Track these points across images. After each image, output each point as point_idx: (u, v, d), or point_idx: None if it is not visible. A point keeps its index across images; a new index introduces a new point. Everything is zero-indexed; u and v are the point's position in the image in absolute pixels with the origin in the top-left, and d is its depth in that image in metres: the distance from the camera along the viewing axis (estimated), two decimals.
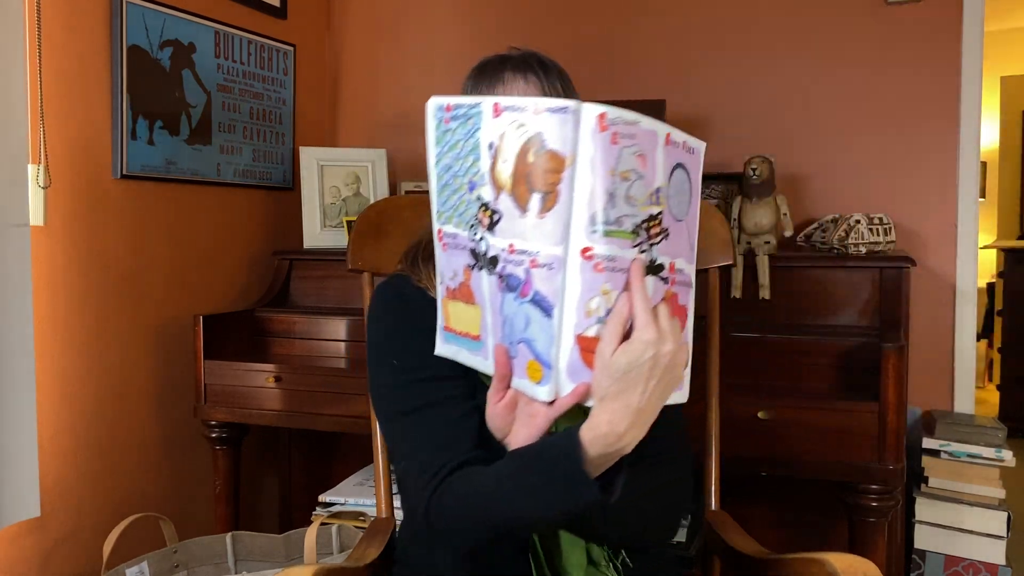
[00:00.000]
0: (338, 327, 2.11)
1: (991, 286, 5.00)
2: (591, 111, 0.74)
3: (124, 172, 1.93)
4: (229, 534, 1.82)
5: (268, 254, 2.39)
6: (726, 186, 2.15)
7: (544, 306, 0.78)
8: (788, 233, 1.90)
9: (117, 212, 1.94)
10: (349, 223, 2.32)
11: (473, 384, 1.00)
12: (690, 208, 0.84)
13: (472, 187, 0.82)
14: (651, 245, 0.79)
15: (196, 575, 1.78)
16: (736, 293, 1.87)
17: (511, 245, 0.79)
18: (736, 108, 2.29)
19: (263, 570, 1.75)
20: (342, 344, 2.10)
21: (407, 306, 1.05)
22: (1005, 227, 5.65)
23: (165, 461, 2.10)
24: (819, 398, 1.59)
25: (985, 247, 4.30)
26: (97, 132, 1.89)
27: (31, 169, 1.69)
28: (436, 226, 0.89)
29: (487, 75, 1.03)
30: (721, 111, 2.31)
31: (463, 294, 0.88)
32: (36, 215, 1.69)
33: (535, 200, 0.76)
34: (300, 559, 1.79)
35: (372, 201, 2.28)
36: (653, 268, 0.81)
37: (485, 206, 0.81)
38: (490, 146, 0.79)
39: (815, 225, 2.05)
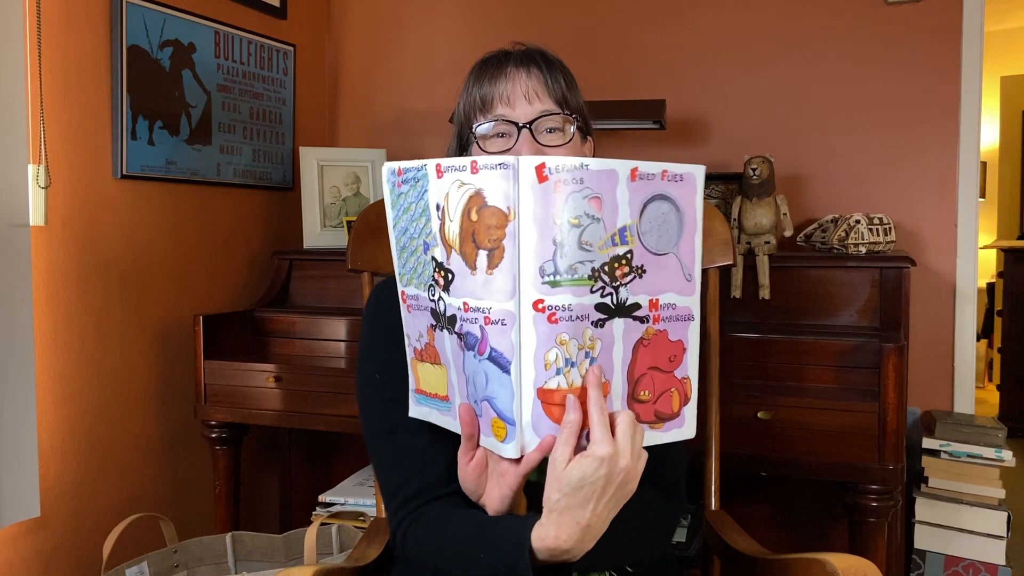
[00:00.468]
0: (338, 327, 2.11)
1: (991, 286, 5.00)
2: (528, 163, 0.74)
3: (124, 172, 1.93)
4: (229, 534, 1.82)
5: (268, 254, 2.39)
6: (726, 186, 2.15)
7: (501, 362, 0.77)
8: (788, 233, 1.91)
9: (117, 212, 1.94)
10: (349, 223, 2.32)
11: None
12: (680, 239, 0.82)
13: (426, 248, 0.83)
14: (617, 287, 0.79)
15: (196, 575, 1.78)
16: (736, 293, 1.87)
17: (465, 303, 0.79)
18: (736, 108, 2.29)
19: (263, 570, 1.75)
20: (342, 344, 2.10)
21: (395, 317, 1.03)
22: (1005, 227, 5.66)
23: (165, 461, 2.10)
24: (819, 398, 1.59)
25: (985, 247, 4.30)
26: (97, 132, 1.89)
27: (31, 169, 1.69)
28: (399, 288, 0.89)
29: (489, 70, 1.03)
30: (721, 111, 2.31)
31: (429, 355, 0.88)
32: (36, 215, 1.69)
33: (482, 257, 0.76)
34: (300, 559, 1.79)
35: (372, 201, 2.28)
36: (623, 309, 0.80)
37: (439, 266, 0.81)
38: (437, 207, 0.80)
39: (815, 225, 2.05)
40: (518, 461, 0.81)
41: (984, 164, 5.44)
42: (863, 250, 1.87)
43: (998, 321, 4.54)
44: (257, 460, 2.43)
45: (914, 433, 2.03)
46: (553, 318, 0.76)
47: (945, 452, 1.91)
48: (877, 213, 1.96)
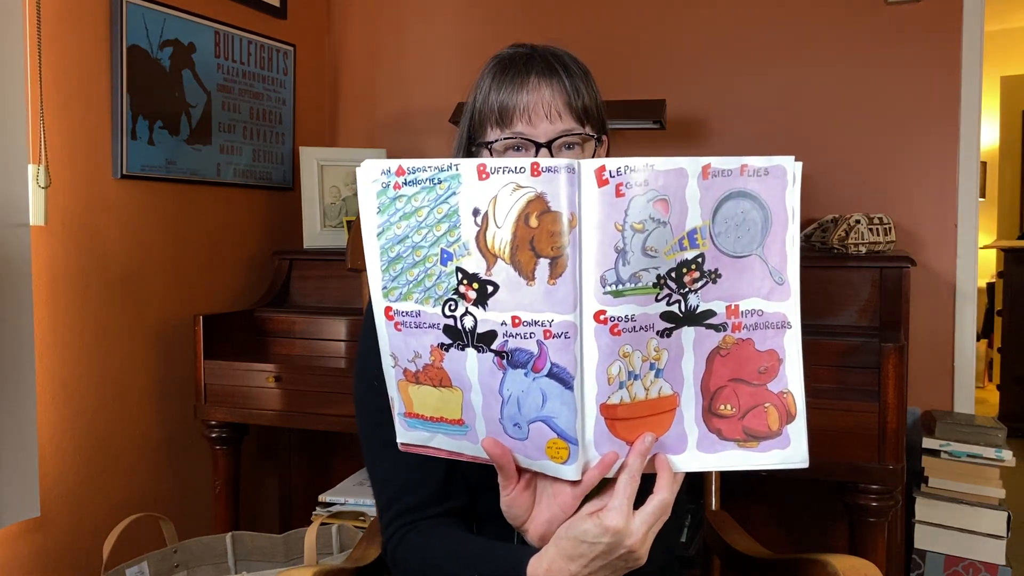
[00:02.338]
0: (338, 327, 2.11)
1: (991, 286, 5.00)
2: (588, 167, 0.70)
3: (124, 172, 1.93)
4: (229, 534, 1.82)
5: (268, 254, 2.39)
6: None
7: (563, 378, 0.73)
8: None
9: (117, 212, 1.94)
10: (349, 223, 2.32)
11: None
12: (766, 238, 0.75)
13: (446, 258, 0.75)
14: (686, 293, 0.74)
15: (196, 575, 1.78)
16: None
17: (515, 318, 0.73)
18: (736, 108, 2.29)
19: (263, 570, 1.75)
20: (342, 344, 2.10)
21: None
22: (1005, 227, 5.66)
23: (165, 461, 2.10)
24: (819, 398, 1.59)
25: (985, 247, 4.30)
26: (97, 132, 1.89)
27: (31, 169, 1.69)
28: (382, 304, 0.80)
29: (511, 76, 0.95)
30: (721, 111, 2.31)
31: (431, 377, 0.80)
32: (36, 215, 1.69)
33: (543, 266, 0.71)
34: (300, 559, 1.79)
35: None
36: (693, 317, 0.75)
37: (470, 278, 0.75)
38: (475, 211, 0.73)
39: (815, 225, 2.05)
40: (577, 482, 0.77)
41: (984, 164, 5.44)
42: (863, 250, 1.87)
43: (998, 321, 4.54)
44: (257, 460, 2.43)
45: (914, 433, 2.03)
46: (616, 330, 0.72)
47: (945, 452, 1.91)
48: (877, 213, 1.96)
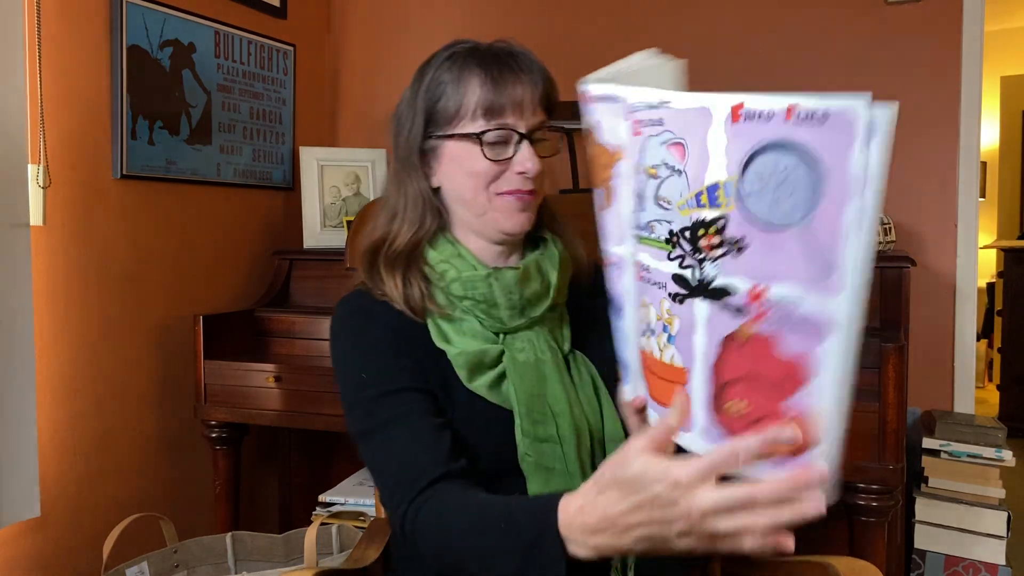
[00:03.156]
0: None
1: (991, 286, 5.00)
2: (625, 95, 0.62)
3: (124, 172, 1.93)
4: (229, 534, 1.82)
5: (268, 254, 2.39)
6: None
7: (616, 305, 0.73)
8: None
9: (117, 212, 1.94)
10: (349, 223, 2.32)
11: (439, 398, 0.99)
12: (816, 208, 0.55)
13: None
14: (702, 260, 0.60)
15: (196, 575, 1.78)
16: None
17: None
18: None
19: (263, 570, 1.75)
20: None
21: (368, 320, 1.03)
22: (1005, 227, 5.66)
23: (165, 461, 2.10)
24: None
25: (985, 247, 4.30)
26: (97, 132, 1.89)
27: (31, 169, 1.68)
28: None
29: (495, 71, 1.00)
30: None
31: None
32: (36, 215, 1.69)
33: (598, 196, 0.72)
34: (300, 559, 1.79)
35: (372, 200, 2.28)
36: (706, 289, 0.61)
37: None
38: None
39: None
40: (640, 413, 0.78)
41: (984, 164, 5.44)
42: None
43: (998, 321, 4.54)
44: (257, 460, 2.43)
45: (914, 433, 2.03)
46: (640, 276, 0.66)
47: (945, 452, 1.91)
48: None
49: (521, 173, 0.99)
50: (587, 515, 0.71)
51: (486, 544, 0.83)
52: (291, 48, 2.47)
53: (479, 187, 1.00)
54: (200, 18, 2.13)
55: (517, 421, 0.97)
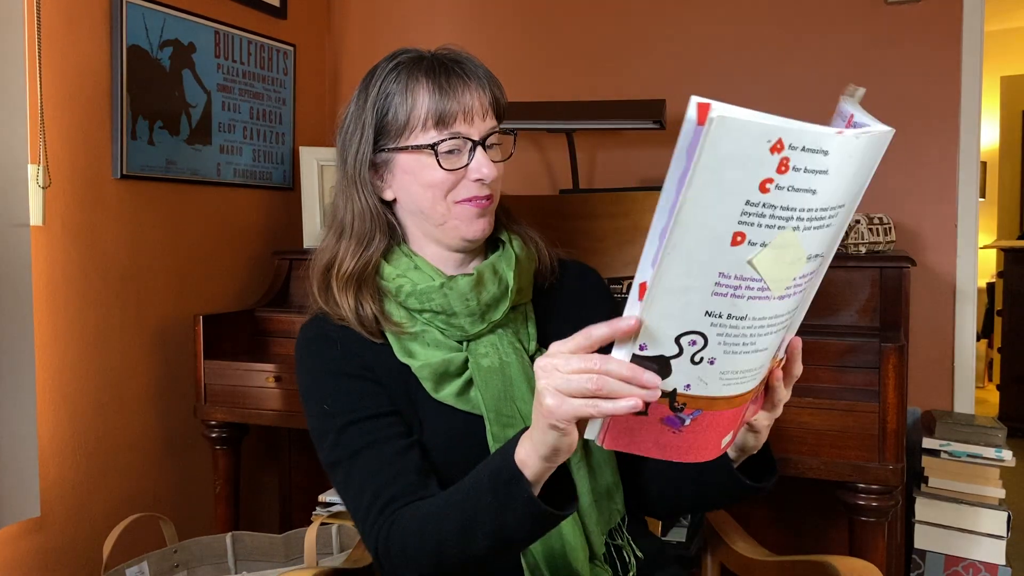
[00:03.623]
0: None
1: (991, 286, 5.00)
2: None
3: (124, 172, 1.93)
4: (229, 534, 1.82)
5: (268, 254, 2.39)
6: None
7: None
8: None
9: (117, 212, 1.94)
10: None
11: (408, 421, 0.99)
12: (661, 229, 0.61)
13: None
14: None
15: (196, 575, 1.78)
16: None
17: None
18: None
19: (263, 570, 1.75)
20: None
21: (326, 347, 1.02)
22: (1005, 227, 5.66)
23: (165, 461, 2.10)
24: (819, 398, 1.59)
25: (985, 247, 4.30)
26: (97, 132, 1.89)
27: (31, 169, 1.69)
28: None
29: (445, 80, 0.99)
30: None
31: None
32: (36, 215, 1.69)
33: None
34: (300, 559, 1.79)
35: None
36: None
37: None
38: None
39: None
40: None
41: (984, 164, 5.45)
42: (863, 250, 1.87)
43: (998, 321, 4.54)
44: (257, 460, 2.43)
45: (914, 433, 2.03)
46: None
47: (945, 452, 1.91)
48: (877, 213, 1.96)
49: (478, 180, 0.98)
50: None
51: (460, 517, 0.84)
52: (291, 48, 2.47)
53: (437, 197, 0.99)
54: (200, 18, 2.13)
55: (487, 426, 0.97)
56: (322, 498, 1.97)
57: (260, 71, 2.35)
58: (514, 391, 0.99)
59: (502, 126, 1.02)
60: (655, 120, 2.06)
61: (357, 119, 1.03)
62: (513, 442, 0.80)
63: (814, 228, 0.64)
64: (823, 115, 0.75)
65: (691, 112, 0.60)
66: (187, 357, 2.09)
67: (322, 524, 1.81)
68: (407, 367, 1.00)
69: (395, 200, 1.04)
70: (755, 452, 0.88)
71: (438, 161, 0.98)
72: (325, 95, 2.68)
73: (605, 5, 2.42)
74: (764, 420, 0.83)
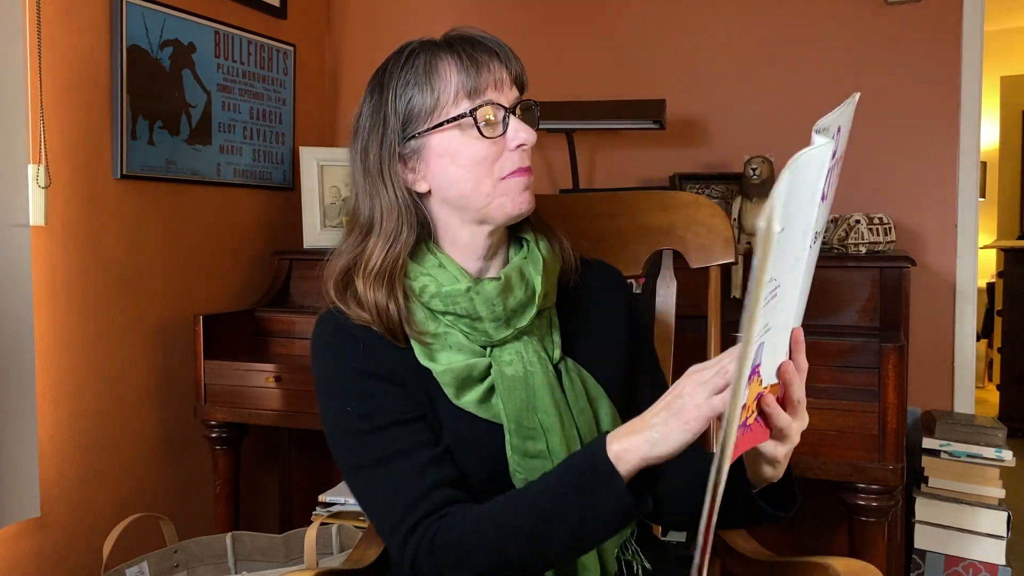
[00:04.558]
0: None
1: (991, 286, 5.00)
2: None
3: (124, 172, 1.93)
4: (229, 534, 1.81)
5: (268, 254, 2.39)
6: (726, 186, 2.15)
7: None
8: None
9: (117, 212, 1.94)
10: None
11: (434, 428, 0.95)
12: None
13: None
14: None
15: (196, 575, 1.78)
16: (736, 293, 1.87)
17: None
18: (736, 108, 2.29)
19: (263, 570, 1.75)
20: None
21: (350, 344, 0.97)
22: (1005, 227, 5.66)
23: (165, 461, 2.10)
24: (819, 398, 1.59)
25: (985, 247, 4.30)
26: (97, 132, 1.89)
27: (31, 169, 1.69)
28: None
29: (472, 54, 0.98)
30: (721, 111, 2.31)
31: None
32: (36, 215, 1.69)
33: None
34: (300, 559, 1.79)
35: None
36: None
37: None
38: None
39: None
40: None
41: (984, 164, 5.44)
42: (863, 250, 1.87)
43: (998, 321, 4.54)
44: (257, 460, 2.43)
45: (914, 433, 2.03)
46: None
47: (945, 452, 1.91)
48: (877, 213, 1.96)
49: (520, 146, 0.95)
50: (628, 428, 0.83)
51: (535, 515, 0.84)
52: (291, 48, 2.46)
53: (482, 175, 0.95)
54: (200, 18, 2.13)
55: (507, 437, 0.94)
56: (322, 498, 1.97)
57: (260, 71, 2.35)
58: (536, 402, 0.96)
59: (524, 98, 0.99)
60: (655, 120, 2.06)
61: (376, 113, 0.98)
62: (597, 443, 0.83)
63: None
64: (821, 115, 0.75)
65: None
66: (187, 357, 2.09)
67: (322, 524, 1.81)
68: (428, 371, 0.96)
69: (428, 192, 0.99)
70: (774, 481, 0.90)
71: (478, 128, 0.94)
72: (325, 95, 2.68)
73: (605, 5, 2.42)
74: (779, 449, 0.83)
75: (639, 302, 1.96)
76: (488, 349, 0.98)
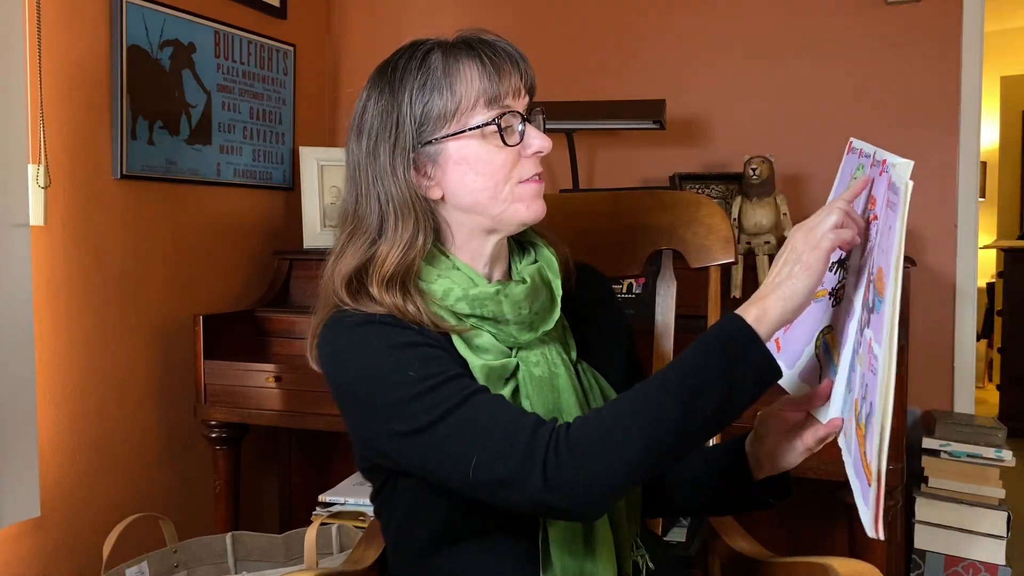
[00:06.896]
0: None
1: (991, 286, 5.00)
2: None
3: (124, 172, 1.93)
4: (229, 534, 1.81)
5: (268, 254, 2.39)
6: (726, 186, 2.15)
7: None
8: (788, 233, 1.90)
9: (117, 212, 1.94)
10: None
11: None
12: None
13: None
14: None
15: (196, 575, 1.77)
16: (736, 293, 1.87)
17: None
18: (736, 108, 2.29)
19: (263, 570, 1.75)
20: None
21: (390, 327, 0.91)
22: (1005, 227, 5.65)
23: (165, 461, 2.10)
24: None
25: (985, 247, 4.30)
26: (97, 132, 1.89)
27: (31, 169, 1.68)
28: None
29: (492, 62, 0.96)
30: (721, 111, 2.31)
31: None
32: (36, 215, 1.69)
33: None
34: (300, 559, 1.79)
35: None
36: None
37: None
38: None
39: None
40: None
41: (984, 164, 5.44)
42: None
43: (998, 321, 4.54)
44: (257, 460, 2.43)
45: (914, 433, 2.03)
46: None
47: (945, 452, 1.91)
48: None
49: (536, 153, 0.95)
50: (755, 297, 0.86)
51: (679, 391, 0.82)
52: (291, 48, 2.46)
53: (500, 181, 0.93)
54: (200, 18, 2.13)
55: None
56: (322, 498, 1.97)
57: (260, 71, 2.35)
58: (562, 403, 0.95)
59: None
60: (655, 120, 2.06)
61: (388, 114, 0.95)
62: (728, 318, 0.85)
63: None
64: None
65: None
66: (187, 357, 2.09)
67: (322, 524, 1.81)
68: (465, 362, 0.93)
69: (440, 199, 0.96)
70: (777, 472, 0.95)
71: (502, 137, 0.93)
72: (325, 95, 2.68)
73: (605, 5, 2.42)
74: (820, 432, 0.95)
75: (639, 302, 1.96)
76: (514, 351, 0.97)
